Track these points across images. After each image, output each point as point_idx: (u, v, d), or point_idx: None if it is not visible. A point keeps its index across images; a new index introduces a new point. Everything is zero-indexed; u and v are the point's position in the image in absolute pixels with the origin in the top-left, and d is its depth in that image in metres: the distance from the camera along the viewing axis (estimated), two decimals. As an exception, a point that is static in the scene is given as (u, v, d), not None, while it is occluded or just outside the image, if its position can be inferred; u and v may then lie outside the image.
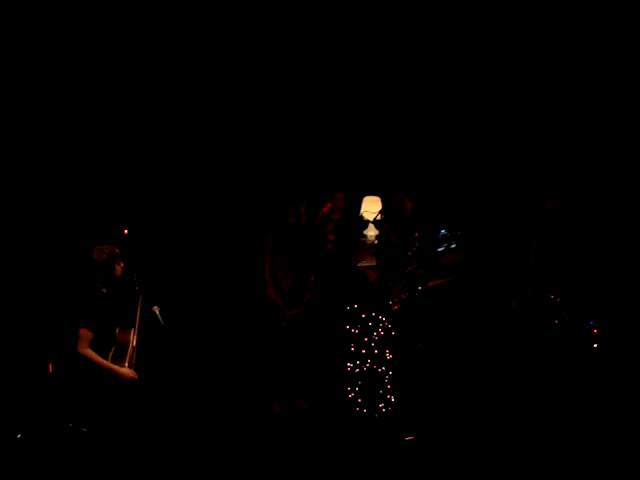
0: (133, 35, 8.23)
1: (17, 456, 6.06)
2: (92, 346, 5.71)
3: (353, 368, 7.08)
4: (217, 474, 6.10)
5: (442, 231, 7.96)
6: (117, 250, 5.94)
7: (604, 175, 7.86)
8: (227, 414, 7.06)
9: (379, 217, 7.60)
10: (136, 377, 5.77)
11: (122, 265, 5.95)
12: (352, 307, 7.13)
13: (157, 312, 6.00)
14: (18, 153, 8.03)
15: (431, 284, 7.26)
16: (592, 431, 6.28)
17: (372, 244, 7.60)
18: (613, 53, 7.96)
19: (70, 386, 5.78)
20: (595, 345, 6.59)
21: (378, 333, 7.09)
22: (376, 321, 7.09)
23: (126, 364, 5.77)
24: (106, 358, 5.74)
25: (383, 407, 7.01)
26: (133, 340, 5.97)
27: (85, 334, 5.68)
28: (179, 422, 6.82)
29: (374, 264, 7.46)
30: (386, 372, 7.06)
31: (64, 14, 7.97)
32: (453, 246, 8.01)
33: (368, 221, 8.01)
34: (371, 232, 8.04)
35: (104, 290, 5.89)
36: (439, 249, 7.77)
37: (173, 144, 8.68)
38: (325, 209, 7.77)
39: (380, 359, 7.07)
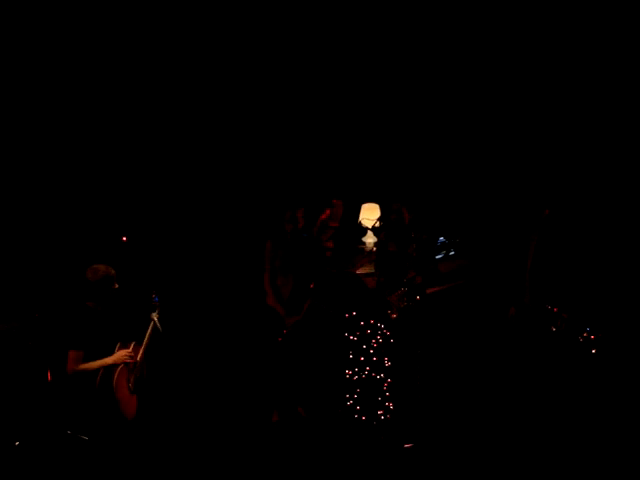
0: (133, 36, 8.23)
1: (15, 464, 6.05)
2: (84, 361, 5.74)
3: (352, 375, 7.08)
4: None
5: (441, 238, 7.96)
6: (112, 271, 5.90)
7: (601, 182, 7.87)
8: (226, 421, 7.05)
9: (377, 224, 7.61)
10: (132, 353, 5.80)
11: (117, 286, 5.91)
12: (351, 314, 7.14)
13: (156, 319, 5.99)
14: (15, 161, 8.03)
15: (429, 291, 7.27)
16: (591, 438, 6.28)
17: (371, 251, 7.61)
18: (611, 60, 7.97)
19: (69, 394, 5.78)
20: (594, 351, 6.59)
21: (377, 340, 7.10)
22: (375, 328, 7.09)
23: (116, 376, 5.75)
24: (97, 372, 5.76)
25: (382, 414, 7.01)
26: (137, 355, 5.96)
27: (74, 355, 5.70)
28: (178, 429, 6.81)
29: (372, 271, 7.47)
30: (385, 379, 7.07)
31: (64, 14, 7.97)
32: (452, 253, 8.01)
33: (367, 228, 8.01)
34: (370, 239, 8.05)
35: (97, 308, 5.87)
36: (437, 256, 7.77)
37: (171, 151, 8.67)
38: (323, 216, 7.77)
39: (379, 366, 7.08)
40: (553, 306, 6.54)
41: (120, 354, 5.78)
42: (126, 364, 5.82)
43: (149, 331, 5.98)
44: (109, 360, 5.75)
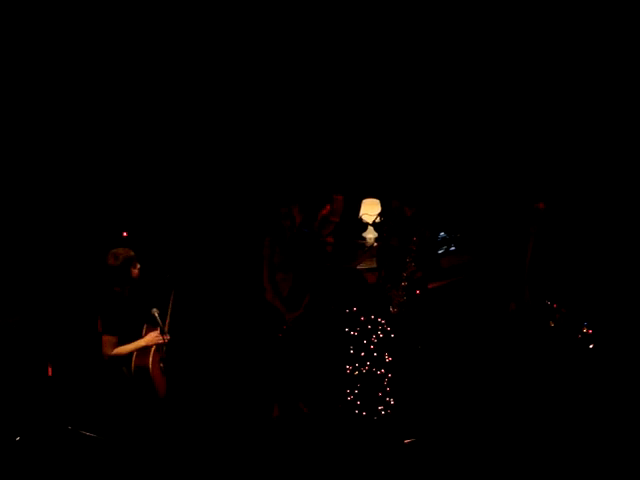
0: (133, 35, 8.23)
1: (16, 459, 6.06)
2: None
3: (352, 371, 7.09)
4: (217, 477, 6.11)
5: (441, 233, 7.97)
6: (132, 252, 5.90)
7: (599, 178, 7.88)
8: (227, 417, 7.06)
9: (378, 219, 7.61)
10: (167, 337, 5.80)
11: (139, 267, 5.91)
12: (351, 310, 7.14)
13: (156, 315, 5.99)
14: (19, 156, 8.03)
15: (430, 287, 7.27)
16: (590, 432, 6.29)
17: (371, 246, 7.61)
18: (609, 58, 7.98)
19: (69, 389, 5.80)
20: (591, 346, 6.61)
21: (377, 336, 7.10)
22: (375, 324, 7.10)
23: (150, 358, 5.76)
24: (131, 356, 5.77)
25: (382, 410, 7.02)
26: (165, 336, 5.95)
27: (108, 340, 5.70)
28: (179, 425, 6.82)
29: (373, 266, 7.47)
30: (385, 375, 7.07)
31: (64, 14, 7.98)
32: (452, 249, 8.02)
33: (367, 223, 8.02)
34: (370, 234, 8.06)
35: (123, 293, 5.88)
36: (438, 251, 7.77)
37: (169, 148, 8.68)
38: (324, 211, 7.76)
39: (379, 362, 7.08)
40: (552, 301, 6.55)
41: (152, 336, 5.78)
42: (157, 346, 5.83)
43: (169, 309, 5.98)
44: (142, 342, 5.75)
